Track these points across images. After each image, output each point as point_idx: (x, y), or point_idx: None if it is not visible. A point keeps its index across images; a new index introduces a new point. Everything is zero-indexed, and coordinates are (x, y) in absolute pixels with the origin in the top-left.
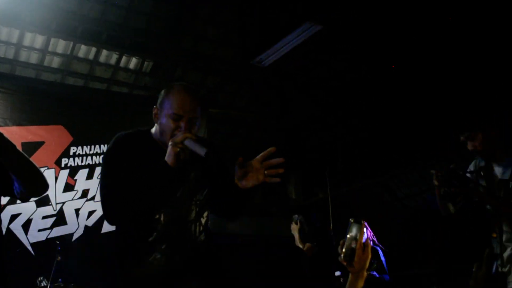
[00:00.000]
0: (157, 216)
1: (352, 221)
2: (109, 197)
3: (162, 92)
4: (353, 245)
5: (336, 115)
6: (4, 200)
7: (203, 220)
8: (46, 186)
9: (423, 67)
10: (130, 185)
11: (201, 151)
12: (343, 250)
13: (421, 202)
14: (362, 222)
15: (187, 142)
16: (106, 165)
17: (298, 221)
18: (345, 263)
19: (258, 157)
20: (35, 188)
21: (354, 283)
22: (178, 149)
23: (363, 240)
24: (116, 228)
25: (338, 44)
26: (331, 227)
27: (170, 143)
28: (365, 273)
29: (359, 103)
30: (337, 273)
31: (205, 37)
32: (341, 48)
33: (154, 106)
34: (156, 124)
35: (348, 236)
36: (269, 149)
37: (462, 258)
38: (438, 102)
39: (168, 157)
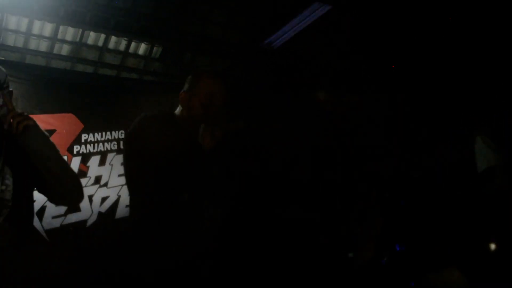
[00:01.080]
0: (182, 197)
1: None
2: (138, 179)
3: (191, 78)
4: None
5: (347, 97)
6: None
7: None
8: (80, 197)
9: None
10: (162, 167)
11: (238, 125)
12: None
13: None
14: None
15: (220, 126)
16: (131, 146)
17: None
18: None
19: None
20: (68, 198)
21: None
22: (213, 131)
23: None
24: (133, 213)
25: (348, 25)
26: None
27: (202, 127)
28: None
29: (370, 84)
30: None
31: (213, 21)
32: (351, 29)
33: (182, 91)
34: (180, 108)
35: None
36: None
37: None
38: (438, 100)
39: (203, 140)
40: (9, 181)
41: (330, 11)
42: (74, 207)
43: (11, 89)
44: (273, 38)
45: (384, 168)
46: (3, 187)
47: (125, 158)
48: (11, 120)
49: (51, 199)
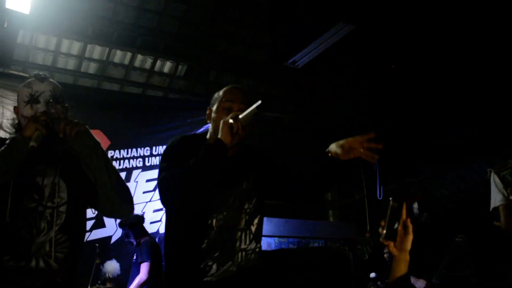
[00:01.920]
0: (210, 221)
1: (391, 200)
2: (166, 181)
3: (215, 95)
4: (395, 226)
5: (370, 115)
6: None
7: (253, 228)
8: (130, 209)
9: (456, 66)
10: (186, 166)
11: (253, 109)
12: (384, 230)
13: (459, 202)
14: (403, 202)
15: (240, 116)
16: (167, 159)
17: None
18: (386, 243)
19: (358, 137)
20: (117, 208)
21: (397, 267)
22: (230, 124)
23: (405, 219)
24: (166, 234)
25: (372, 44)
26: (368, 229)
27: (221, 122)
28: (408, 256)
29: (393, 103)
30: (372, 275)
31: (238, 40)
32: (374, 47)
33: (208, 107)
34: (209, 126)
35: (388, 216)
36: (370, 134)
37: (502, 258)
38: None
39: (222, 133)
40: (64, 194)
41: (355, 30)
42: (123, 217)
43: (66, 105)
44: (298, 57)
45: None
46: (58, 200)
47: (160, 169)
48: (64, 127)
49: (100, 209)
